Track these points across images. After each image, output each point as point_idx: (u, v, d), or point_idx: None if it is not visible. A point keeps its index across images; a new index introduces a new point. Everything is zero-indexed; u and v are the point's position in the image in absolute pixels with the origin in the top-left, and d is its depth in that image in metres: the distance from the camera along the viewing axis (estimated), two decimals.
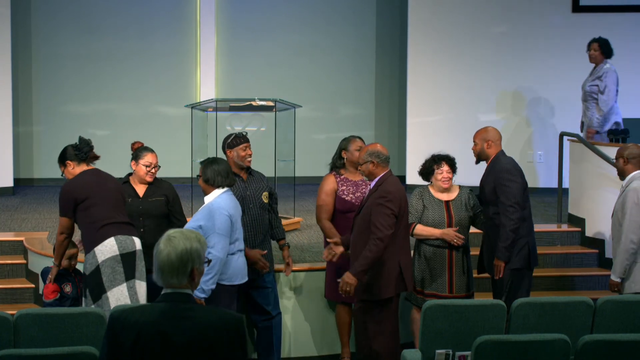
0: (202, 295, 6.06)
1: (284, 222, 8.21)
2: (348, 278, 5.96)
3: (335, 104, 12.17)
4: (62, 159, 6.28)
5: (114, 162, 11.34)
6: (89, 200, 6.12)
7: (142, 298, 6.16)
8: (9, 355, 4.54)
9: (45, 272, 6.61)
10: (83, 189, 6.12)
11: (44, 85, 11.70)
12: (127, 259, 6.08)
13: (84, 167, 6.25)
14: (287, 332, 7.15)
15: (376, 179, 6.15)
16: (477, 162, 6.67)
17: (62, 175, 6.33)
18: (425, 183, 6.84)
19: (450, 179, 6.72)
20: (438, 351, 5.44)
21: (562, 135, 9.27)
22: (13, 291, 7.68)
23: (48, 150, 11.74)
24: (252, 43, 11.98)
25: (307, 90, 11.91)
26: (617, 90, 9.35)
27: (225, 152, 6.75)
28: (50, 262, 6.81)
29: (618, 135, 8.97)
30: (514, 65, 11.33)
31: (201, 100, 11.05)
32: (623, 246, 6.37)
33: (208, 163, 6.24)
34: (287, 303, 7.16)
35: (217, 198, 6.12)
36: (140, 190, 6.71)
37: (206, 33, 11.80)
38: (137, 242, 6.18)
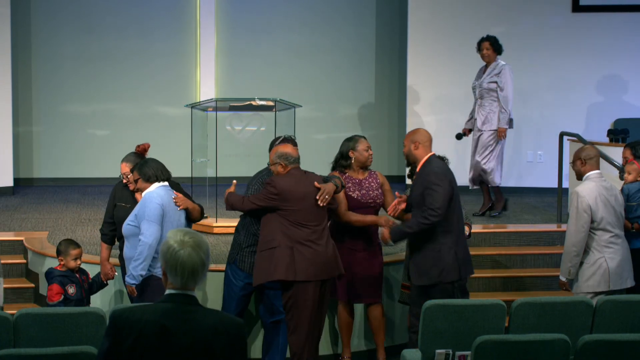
0: (133, 282, 6.13)
1: None
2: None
3: (335, 104, 12.17)
4: None
5: (114, 162, 11.38)
6: None
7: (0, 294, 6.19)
8: (9, 355, 4.54)
9: (48, 273, 6.58)
10: None
11: (44, 85, 11.70)
12: None
13: None
14: None
15: None
16: (408, 165, 6.58)
17: None
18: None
19: None
20: (438, 351, 5.45)
21: (562, 135, 9.27)
22: (13, 291, 7.68)
23: (48, 150, 11.74)
24: (252, 43, 11.98)
25: (307, 90, 11.90)
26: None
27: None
28: (51, 262, 6.81)
29: (618, 135, 8.98)
30: (513, 65, 11.25)
31: (201, 100, 11.04)
32: (566, 249, 6.43)
33: (142, 165, 6.31)
34: None
35: (154, 190, 6.18)
36: (139, 194, 6.69)
37: (206, 33, 11.80)
38: None
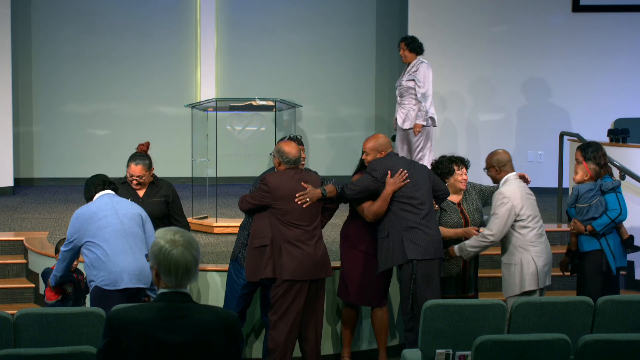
0: (51, 282, 6.28)
1: None
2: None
3: (335, 104, 12.17)
4: None
5: (114, 162, 11.40)
6: None
7: None
8: (9, 355, 4.54)
9: (45, 273, 6.59)
10: None
11: (44, 85, 11.70)
12: None
13: None
14: None
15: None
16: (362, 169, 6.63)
17: None
18: None
19: (466, 180, 6.83)
20: (438, 351, 5.45)
21: (562, 135, 9.28)
22: (13, 291, 7.68)
23: (48, 150, 11.75)
24: (252, 43, 11.98)
25: (307, 90, 11.90)
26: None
27: None
28: (51, 263, 6.81)
29: (618, 135, 8.97)
30: (513, 65, 11.34)
31: (201, 100, 11.05)
32: (483, 239, 6.44)
33: (84, 190, 6.24)
34: None
35: (88, 204, 6.11)
36: (140, 190, 6.71)
37: (206, 33, 11.80)
38: None
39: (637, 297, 5.87)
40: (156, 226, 6.55)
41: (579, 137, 8.83)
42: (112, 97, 11.85)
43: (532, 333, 5.19)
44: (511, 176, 6.53)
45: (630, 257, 8.30)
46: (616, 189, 6.82)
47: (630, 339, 5.03)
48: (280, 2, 12.08)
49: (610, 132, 9.21)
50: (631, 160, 8.31)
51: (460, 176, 6.72)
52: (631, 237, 6.97)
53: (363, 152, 6.63)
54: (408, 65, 9.20)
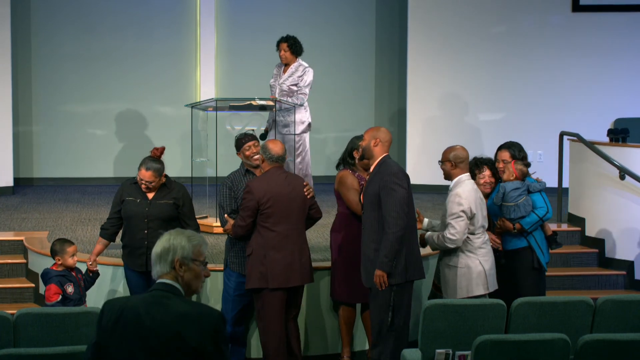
0: None
1: None
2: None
3: (335, 104, 12.16)
4: None
5: (114, 162, 11.41)
6: None
7: None
8: (9, 355, 4.54)
9: (45, 273, 6.58)
10: None
11: (43, 85, 11.69)
12: None
13: None
14: None
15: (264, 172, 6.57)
16: (361, 159, 6.48)
17: None
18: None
19: (492, 183, 6.75)
20: (438, 350, 5.45)
21: (562, 134, 9.28)
22: (13, 291, 7.69)
23: (48, 150, 11.75)
24: (252, 43, 11.97)
25: None
26: None
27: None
28: (50, 262, 6.81)
29: (618, 134, 8.96)
30: (513, 64, 11.34)
31: (201, 99, 11.04)
32: (443, 239, 6.19)
33: None
34: None
35: None
36: (150, 192, 6.72)
37: (206, 33, 11.80)
38: None
39: (637, 297, 5.88)
40: (164, 228, 6.55)
41: (579, 137, 8.83)
42: (112, 97, 11.84)
43: (531, 333, 5.19)
44: (464, 177, 6.29)
45: (630, 257, 8.31)
46: (541, 191, 6.85)
47: (630, 339, 5.03)
48: (280, 2, 12.07)
49: (610, 132, 9.20)
50: (631, 160, 8.31)
51: (482, 179, 6.73)
52: (555, 234, 6.98)
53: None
54: (285, 66, 9.10)
